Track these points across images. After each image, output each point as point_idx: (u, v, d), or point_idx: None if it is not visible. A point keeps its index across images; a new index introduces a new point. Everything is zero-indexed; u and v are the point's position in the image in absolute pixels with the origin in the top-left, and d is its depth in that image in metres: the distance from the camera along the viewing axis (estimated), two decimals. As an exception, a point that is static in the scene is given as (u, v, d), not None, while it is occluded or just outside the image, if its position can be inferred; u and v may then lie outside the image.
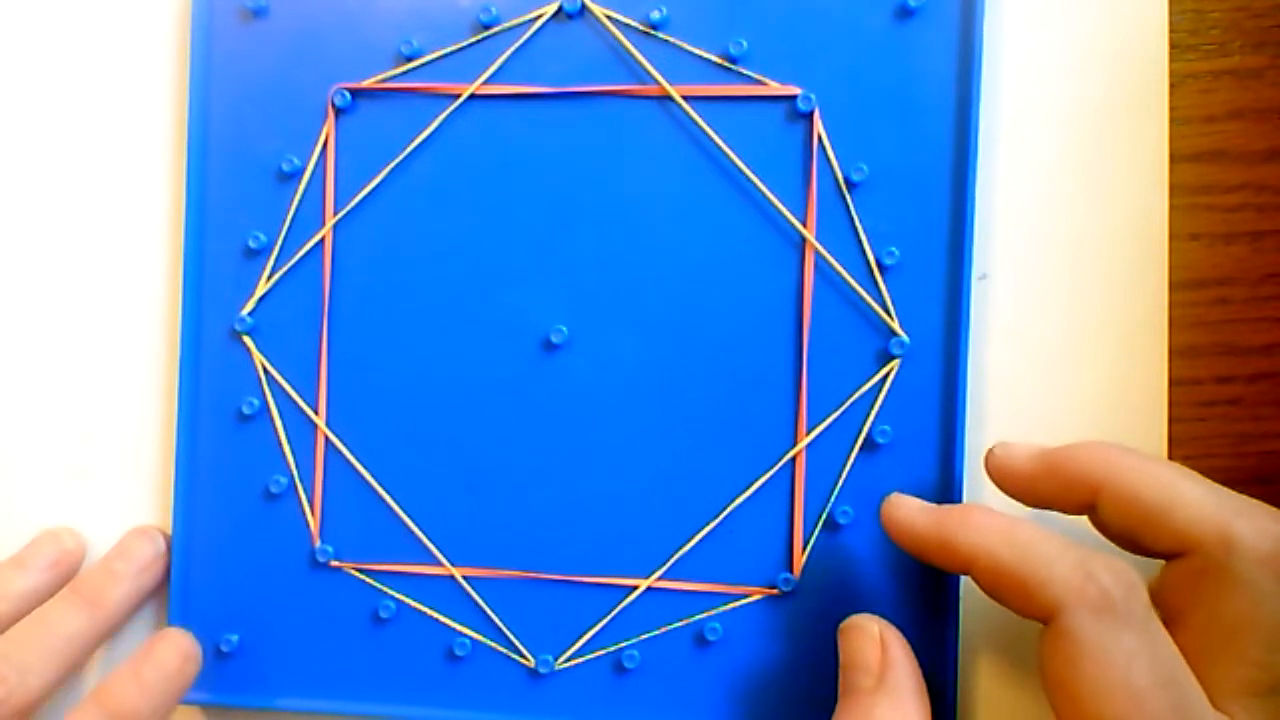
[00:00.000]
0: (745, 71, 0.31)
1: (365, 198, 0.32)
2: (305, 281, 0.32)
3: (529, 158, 0.31)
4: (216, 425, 0.32)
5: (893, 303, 0.30)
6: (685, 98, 0.31)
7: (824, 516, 0.31)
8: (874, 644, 0.27)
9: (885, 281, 0.30)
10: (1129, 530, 0.26)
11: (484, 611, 0.32)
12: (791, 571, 0.31)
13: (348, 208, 0.32)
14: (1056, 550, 0.24)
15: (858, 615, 0.28)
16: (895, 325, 0.30)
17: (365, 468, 0.32)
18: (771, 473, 0.31)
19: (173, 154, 0.33)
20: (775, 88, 0.31)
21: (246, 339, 0.32)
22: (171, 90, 0.33)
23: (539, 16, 0.31)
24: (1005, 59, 0.31)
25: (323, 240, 0.32)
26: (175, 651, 0.30)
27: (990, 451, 0.28)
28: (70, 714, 0.28)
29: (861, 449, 0.31)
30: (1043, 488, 0.27)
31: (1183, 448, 0.31)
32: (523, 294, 0.31)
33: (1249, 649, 0.23)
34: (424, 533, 0.32)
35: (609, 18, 0.31)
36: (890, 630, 0.28)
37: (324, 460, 0.32)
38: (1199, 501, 0.25)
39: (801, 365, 0.31)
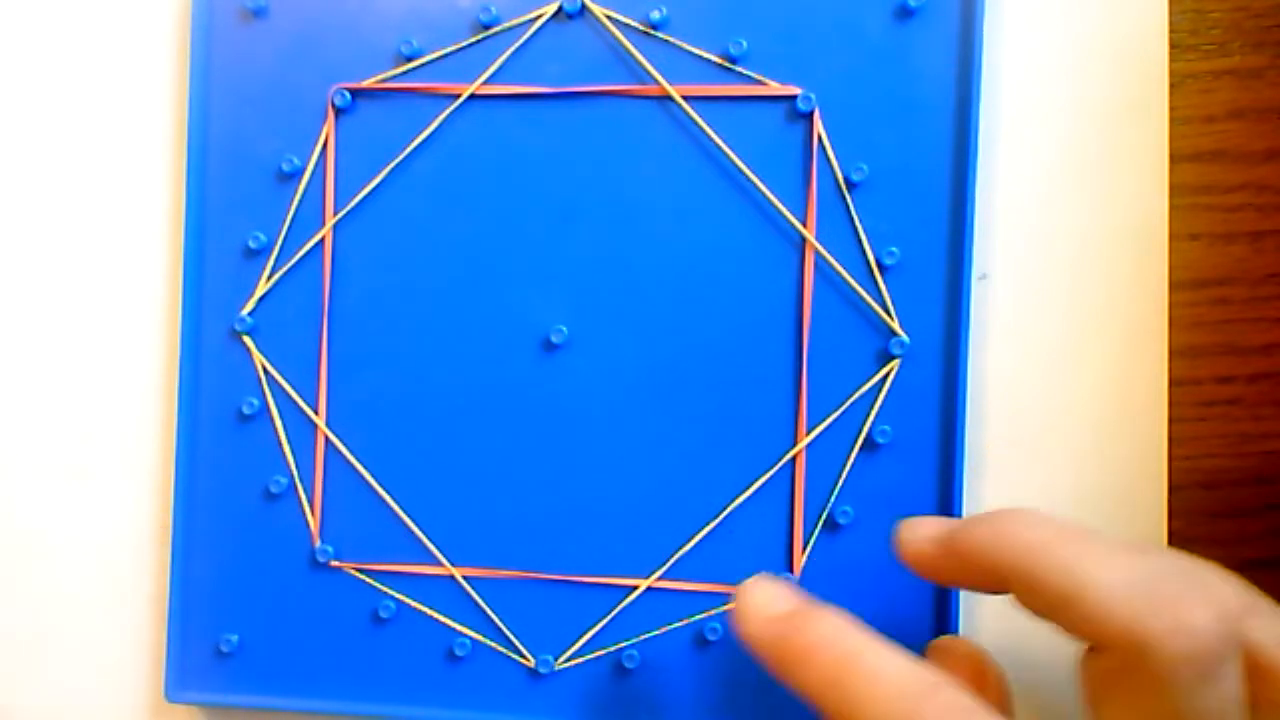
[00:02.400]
0: (745, 71, 0.31)
1: (365, 198, 0.32)
2: (305, 281, 0.32)
3: (529, 158, 0.31)
4: (216, 425, 0.32)
5: (893, 303, 0.30)
6: (685, 98, 0.31)
7: (824, 516, 0.31)
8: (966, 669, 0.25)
9: (885, 281, 0.30)
10: (1043, 619, 0.22)
11: (484, 611, 0.32)
12: (791, 571, 0.31)
13: (348, 208, 0.32)
14: (1123, 566, 0.21)
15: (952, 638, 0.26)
16: (895, 325, 0.30)
17: (365, 468, 0.32)
18: (771, 473, 0.31)
19: (173, 154, 0.33)
20: (775, 88, 0.31)
21: (246, 339, 0.32)
22: (171, 90, 0.33)
23: (539, 16, 0.31)
24: (1005, 59, 0.31)
25: (323, 240, 0.32)
26: None
27: (897, 533, 0.26)
28: None
29: (861, 449, 0.31)
30: (951, 573, 0.24)
31: (1183, 448, 0.31)
32: (523, 294, 0.31)
33: None
34: (424, 533, 0.32)
35: (609, 18, 0.31)
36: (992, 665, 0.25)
37: (324, 460, 0.32)
38: (1107, 593, 0.21)
39: (801, 365, 0.31)
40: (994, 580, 0.23)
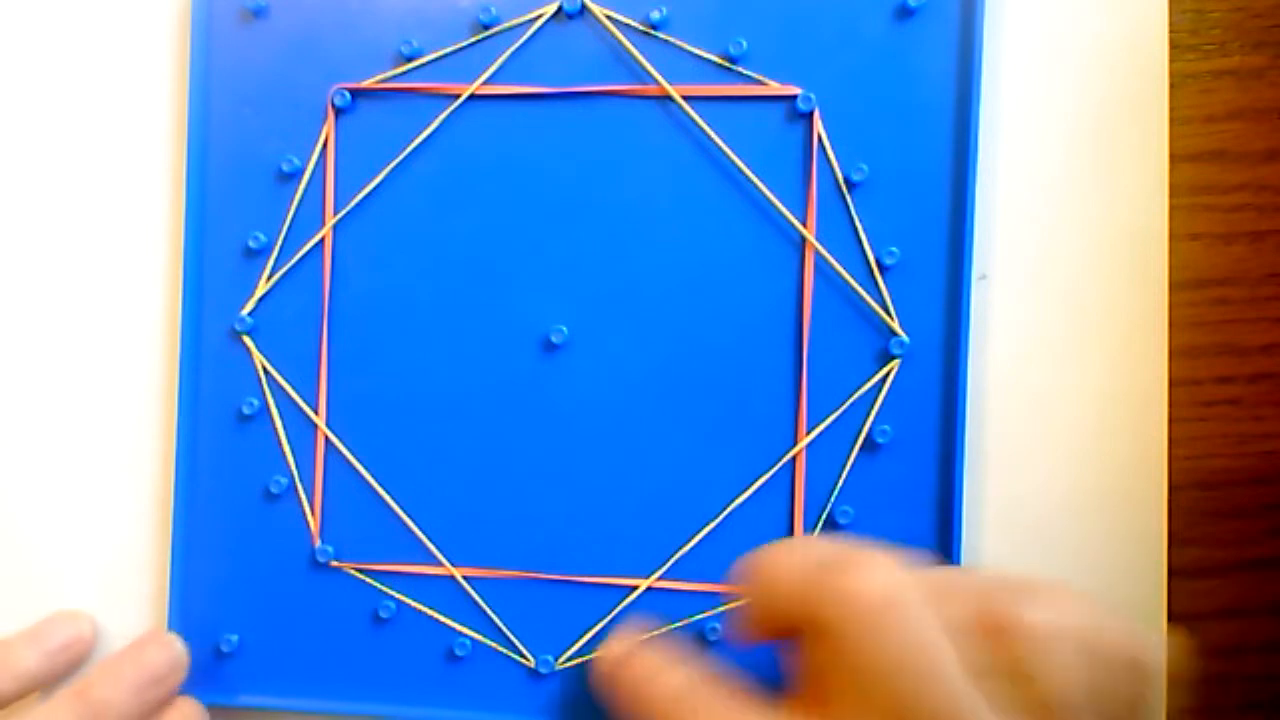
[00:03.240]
0: (745, 71, 0.31)
1: (365, 198, 0.32)
2: (305, 281, 0.32)
3: (529, 158, 0.31)
4: (216, 425, 0.32)
5: (893, 303, 0.30)
6: (685, 98, 0.31)
7: (824, 516, 0.31)
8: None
9: (885, 281, 0.30)
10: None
11: (484, 611, 0.32)
12: (791, 571, 0.31)
13: (348, 208, 0.32)
14: (794, 562, 0.24)
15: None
16: (895, 325, 0.30)
17: (365, 468, 0.32)
18: (771, 473, 0.31)
19: (173, 154, 0.33)
20: (775, 88, 0.31)
21: (246, 339, 0.32)
22: (171, 90, 0.33)
23: (539, 16, 0.31)
24: (1005, 59, 0.31)
25: (323, 240, 0.32)
26: (164, 655, 0.30)
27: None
28: (51, 700, 0.29)
29: (861, 449, 0.31)
30: (765, 624, 0.26)
31: (1182, 448, 0.31)
32: (523, 294, 0.31)
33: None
34: (424, 533, 0.32)
35: (609, 18, 0.31)
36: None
37: (324, 460, 0.32)
38: (786, 586, 0.24)
39: (801, 365, 0.31)
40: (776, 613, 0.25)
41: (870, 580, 0.22)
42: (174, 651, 0.31)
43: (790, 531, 0.31)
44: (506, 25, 0.31)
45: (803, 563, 0.24)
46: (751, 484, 0.31)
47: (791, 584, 0.24)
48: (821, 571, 0.23)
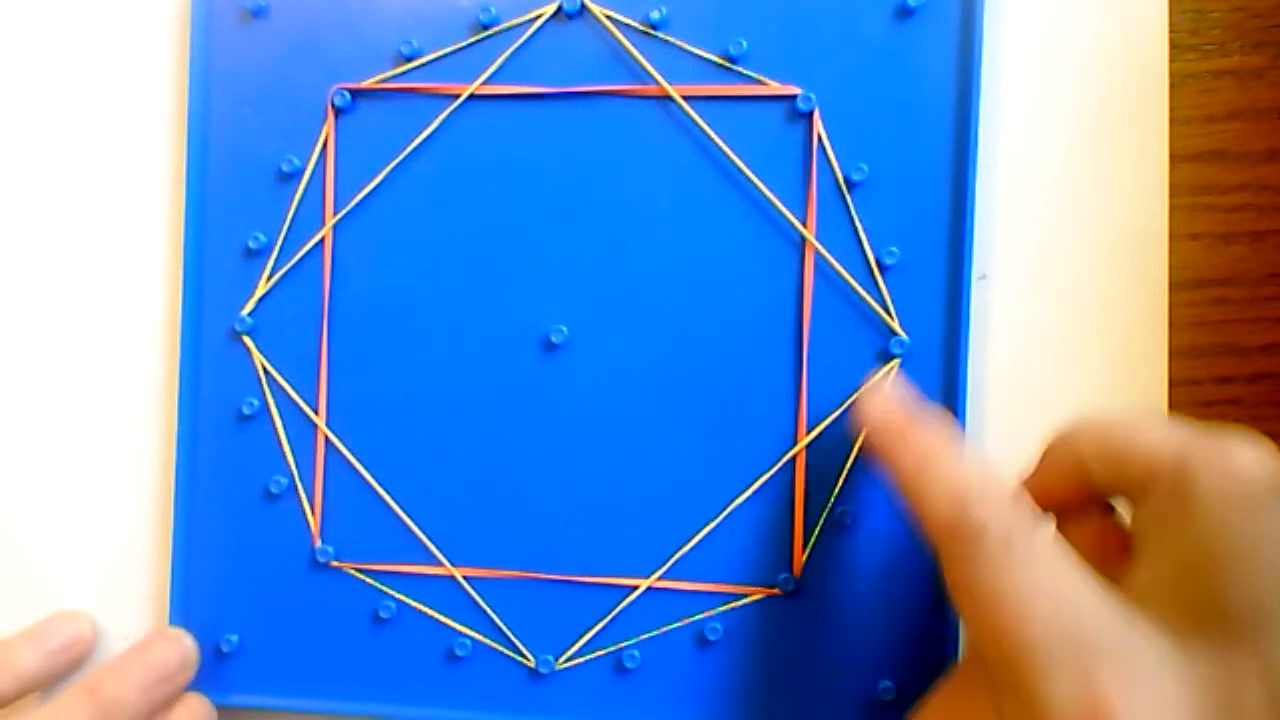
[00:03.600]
0: (745, 71, 0.31)
1: (365, 198, 0.32)
2: (305, 281, 0.32)
3: (529, 158, 0.31)
4: (216, 425, 0.32)
5: (893, 303, 0.30)
6: (685, 98, 0.31)
7: (824, 516, 0.31)
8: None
9: (885, 281, 0.30)
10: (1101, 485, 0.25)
11: (484, 611, 0.32)
12: (792, 571, 0.31)
13: (348, 208, 0.32)
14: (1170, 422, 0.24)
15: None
16: (895, 325, 0.30)
17: (365, 468, 0.32)
18: (771, 473, 0.31)
19: (173, 154, 0.33)
20: (775, 88, 0.31)
21: (246, 339, 0.32)
22: (171, 90, 0.33)
23: (538, 16, 0.31)
24: (1005, 59, 0.31)
25: (323, 240, 0.32)
26: (174, 652, 0.31)
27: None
28: (60, 698, 0.29)
29: (862, 449, 0.31)
30: (1052, 488, 0.27)
31: (1183, 448, 0.31)
32: (523, 294, 0.31)
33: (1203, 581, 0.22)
34: (424, 533, 0.32)
35: (609, 18, 0.31)
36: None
37: (324, 460, 0.32)
38: (1161, 434, 0.24)
39: (801, 365, 0.31)
40: (1078, 470, 0.25)
41: (1255, 467, 0.22)
42: (183, 648, 0.31)
43: (790, 532, 0.31)
44: (506, 25, 0.31)
45: (1170, 426, 0.24)
46: (752, 484, 0.31)
47: (1160, 440, 0.23)
48: (1198, 437, 0.23)
